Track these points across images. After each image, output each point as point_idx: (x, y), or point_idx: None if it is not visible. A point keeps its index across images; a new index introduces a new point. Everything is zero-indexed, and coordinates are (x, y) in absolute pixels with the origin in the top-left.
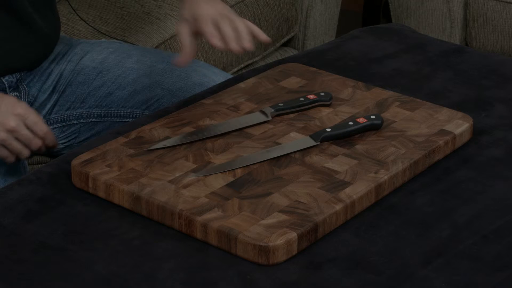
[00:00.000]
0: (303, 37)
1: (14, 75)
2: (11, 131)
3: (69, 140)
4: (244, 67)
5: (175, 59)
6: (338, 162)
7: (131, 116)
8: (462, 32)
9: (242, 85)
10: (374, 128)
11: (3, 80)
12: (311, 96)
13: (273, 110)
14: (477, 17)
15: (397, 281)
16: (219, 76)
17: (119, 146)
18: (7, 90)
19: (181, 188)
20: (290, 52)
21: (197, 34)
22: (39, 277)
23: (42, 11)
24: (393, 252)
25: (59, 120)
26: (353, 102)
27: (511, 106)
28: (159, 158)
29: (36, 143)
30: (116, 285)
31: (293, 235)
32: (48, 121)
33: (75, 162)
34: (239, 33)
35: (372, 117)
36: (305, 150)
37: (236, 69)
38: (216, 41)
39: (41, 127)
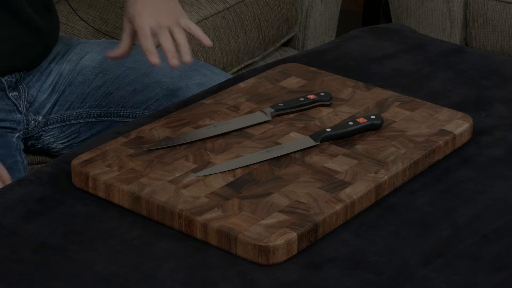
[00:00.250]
0: (303, 37)
1: (13, 75)
2: None
3: (69, 140)
4: (244, 67)
5: (108, 52)
6: (338, 162)
7: (131, 116)
8: (462, 32)
9: (242, 85)
10: (374, 128)
11: (3, 80)
12: (311, 96)
13: (273, 110)
14: (477, 17)
15: (397, 281)
16: (219, 76)
17: (119, 146)
18: (7, 90)
19: (181, 188)
20: (290, 52)
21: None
22: (39, 277)
23: (41, 10)
24: (393, 252)
25: (59, 120)
26: (353, 102)
27: (511, 106)
28: (159, 158)
29: None
30: (116, 285)
31: (293, 235)
32: (47, 121)
33: (75, 162)
34: (178, 46)
35: (372, 117)
36: (305, 150)
37: (236, 69)
38: (154, 60)
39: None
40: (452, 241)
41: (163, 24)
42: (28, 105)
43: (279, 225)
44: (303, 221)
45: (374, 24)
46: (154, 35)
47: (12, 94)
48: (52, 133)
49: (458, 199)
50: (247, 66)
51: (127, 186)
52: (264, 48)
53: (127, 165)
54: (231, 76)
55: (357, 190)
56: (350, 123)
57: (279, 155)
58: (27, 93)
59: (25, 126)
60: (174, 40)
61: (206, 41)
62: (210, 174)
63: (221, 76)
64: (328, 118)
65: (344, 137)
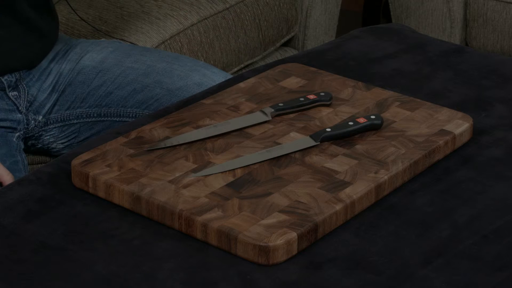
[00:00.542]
0: (303, 37)
1: (13, 75)
2: None
3: (69, 140)
4: (244, 67)
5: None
6: (338, 162)
7: (131, 115)
8: (462, 32)
9: (242, 85)
10: (374, 128)
11: (2, 79)
12: (311, 96)
13: (273, 110)
14: (477, 17)
15: (397, 281)
16: (219, 76)
17: (119, 146)
18: (7, 89)
19: (181, 188)
20: (290, 52)
21: None
22: (39, 277)
23: (41, 10)
24: (393, 252)
25: (59, 120)
26: (353, 102)
27: (511, 106)
28: (159, 158)
29: None
30: (116, 285)
31: (293, 235)
32: (47, 121)
33: (75, 162)
34: None
35: (372, 117)
36: (305, 150)
37: (236, 69)
38: None
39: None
40: (452, 241)
41: None
42: (28, 104)
43: (279, 225)
44: (303, 221)
45: (374, 24)
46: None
47: (12, 94)
48: (52, 132)
49: (458, 199)
50: (247, 66)
51: (127, 186)
52: (264, 48)
53: (127, 165)
54: (231, 76)
55: (357, 190)
56: (350, 123)
57: (279, 155)
58: (27, 92)
59: (25, 126)
60: None
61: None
62: (210, 174)
63: (221, 76)
64: (328, 118)
65: (344, 137)
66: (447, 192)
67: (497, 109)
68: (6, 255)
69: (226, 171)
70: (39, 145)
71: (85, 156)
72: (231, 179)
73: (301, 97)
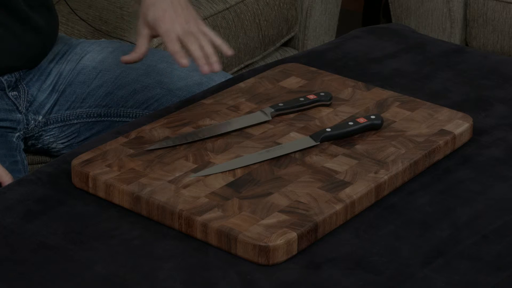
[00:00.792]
0: (303, 37)
1: (13, 74)
2: None
3: (69, 140)
4: (244, 67)
5: (124, 56)
6: (338, 162)
7: (131, 116)
8: (462, 32)
9: (242, 85)
10: (374, 128)
11: (2, 79)
12: (311, 96)
13: (273, 110)
14: (477, 17)
15: (397, 281)
16: (219, 76)
17: (119, 146)
18: (6, 89)
19: (181, 188)
20: (290, 52)
21: (154, 37)
22: (39, 277)
23: (40, 9)
24: (393, 252)
25: (59, 120)
26: (353, 102)
27: (511, 106)
28: (159, 158)
29: None
30: (116, 285)
31: (293, 235)
32: (47, 121)
33: (75, 162)
34: (206, 53)
35: (372, 117)
36: (305, 150)
37: (236, 69)
38: (183, 61)
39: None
40: (452, 241)
41: (188, 30)
42: (28, 104)
43: (279, 225)
44: (303, 221)
45: (374, 24)
46: (180, 40)
47: (12, 94)
48: (52, 133)
49: (458, 199)
50: (247, 66)
51: (127, 186)
52: (264, 48)
53: (127, 165)
54: (231, 76)
55: (357, 190)
56: (350, 123)
57: (279, 155)
58: (27, 92)
59: (25, 126)
60: (201, 48)
61: (226, 49)
62: (210, 174)
63: (221, 76)
64: (328, 118)
65: (344, 137)
66: (447, 192)
67: (497, 109)
68: (6, 255)
69: (226, 171)
70: (39, 145)
71: (85, 156)
72: (231, 179)
73: (301, 97)
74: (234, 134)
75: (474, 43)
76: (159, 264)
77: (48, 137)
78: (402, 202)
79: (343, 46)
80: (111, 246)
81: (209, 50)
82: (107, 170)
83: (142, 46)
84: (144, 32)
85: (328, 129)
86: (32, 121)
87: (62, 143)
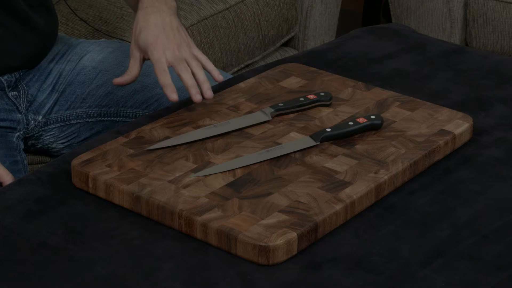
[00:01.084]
0: (303, 37)
1: (13, 74)
2: None
3: (69, 140)
4: (244, 67)
5: (116, 78)
6: (338, 162)
7: (131, 115)
8: (462, 32)
9: (242, 85)
10: (374, 128)
11: (2, 79)
12: (311, 96)
13: (273, 110)
14: (477, 17)
15: (397, 281)
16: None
17: (119, 146)
18: (6, 89)
19: (181, 188)
20: (290, 52)
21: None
22: (39, 277)
23: (39, 8)
24: (393, 252)
25: (59, 120)
26: (353, 102)
27: (511, 106)
28: (159, 158)
29: None
30: (116, 285)
31: (293, 235)
32: (47, 121)
33: (75, 162)
34: (199, 80)
35: (372, 117)
36: (305, 150)
37: (236, 69)
38: (174, 96)
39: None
40: (452, 241)
41: (180, 57)
42: (28, 104)
43: (279, 225)
44: (303, 221)
45: (374, 24)
46: (170, 66)
47: (12, 94)
48: (52, 133)
49: (458, 199)
50: (247, 66)
51: (127, 186)
52: (264, 48)
53: (127, 165)
54: (231, 76)
55: (357, 190)
56: (350, 123)
57: (279, 155)
58: (27, 92)
59: (25, 126)
60: (193, 74)
61: (217, 75)
62: (210, 174)
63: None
64: (328, 118)
65: (344, 137)
66: (447, 192)
67: (497, 109)
68: (6, 255)
69: (226, 171)
70: (39, 145)
71: (85, 156)
72: (231, 179)
73: (301, 97)
74: (234, 134)
75: (474, 43)
76: (159, 264)
77: (48, 137)
78: (402, 202)
79: (343, 46)
80: (111, 246)
81: (202, 77)
82: (107, 170)
83: (134, 68)
84: (136, 55)
85: (328, 129)
86: (32, 121)
87: (62, 143)
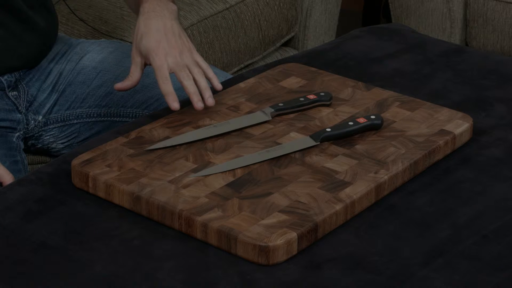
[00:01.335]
0: (303, 37)
1: (13, 74)
2: None
3: (69, 140)
4: (244, 67)
5: (117, 84)
6: (338, 162)
7: (130, 115)
8: (462, 32)
9: (242, 85)
10: (374, 128)
11: (2, 79)
12: (311, 96)
13: (273, 110)
14: (477, 17)
15: (397, 281)
16: (219, 76)
17: (119, 146)
18: (6, 89)
19: (181, 188)
20: (290, 52)
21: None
22: (39, 277)
23: (39, 9)
24: (393, 252)
25: (59, 120)
26: (353, 102)
27: (511, 106)
28: (159, 158)
29: None
30: (116, 285)
31: (293, 235)
32: (47, 121)
33: (75, 162)
34: (200, 87)
35: (372, 117)
36: (305, 150)
37: (236, 69)
38: (175, 104)
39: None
40: (452, 241)
41: (182, 64)
42: (28, 104)
43: (279, 225)
44: (303, 221)
45: (374, 24)
46: (172, 72)
47: (12, 94)
48: (52, 133)
49: (458, 199)
50: (247, 66)
51: (127, 186)
52: (264, 48)
53: (127, 165)
54: (231, 76)
55: (357, 190)
56: (350, 123)
57: (279, 155)
58: (27, 92)
59: (25, 126)
60: (194, 81)
61: (217, 84)
62: (210, 174)
63: (221, 76)
64: (328, 118)
65: (344, 137)
66: (447, 192)
67: (497, 109)
68: (6, 255)
69: (226, 171)
70: (39, 145)
71: (85, 156)
72: (231, 179)
73: (301, 97)
74: (234, 134)
75: (474, 43)
76: (159, 264)
77: (48, 137)
78: (402, 202)
79: (343, 46)
80: (111, 246)
81: (203, 84)
82: (107, 170)
83: (135, 74)
84: (138, 60)
85: (328, 129)
86: (32, 121)
87: (62, 143)
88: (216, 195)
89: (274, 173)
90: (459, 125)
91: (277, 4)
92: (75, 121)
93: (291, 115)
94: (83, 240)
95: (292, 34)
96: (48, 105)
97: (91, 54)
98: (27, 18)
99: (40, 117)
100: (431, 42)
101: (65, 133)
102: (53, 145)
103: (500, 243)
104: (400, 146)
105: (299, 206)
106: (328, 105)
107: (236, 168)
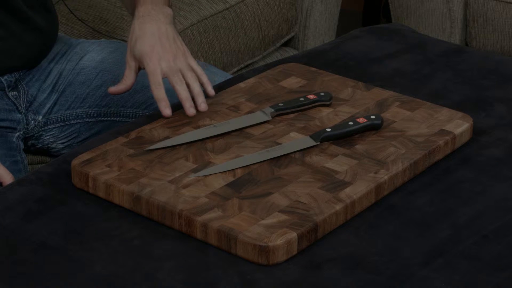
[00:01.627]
0: (303, 37)
1: (13, 74)
2: None
3: (69, 140)
4: (244, 67)
5: (111, 87)
6: (338, 162)
7: (130, 115)
8: (462, 32)
9: (242, 85)
10: (374, 128)
11: (2, 79)
12: (311, 96)
13: (273, 110)
14: (477, 17)
15: (397, 281)
16: (219, 76)
17: (119, 146)
18: (6, 89)
19: (181, 188)
20: (290, 52)
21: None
22: (39, 277)
23: (39, 9)
24: (393, 252)
25: (59, 120)
26: (353, 102)
27: (511, 106)
28: (159, 158)
29: None
30: (116, 285)
31: (293, 235)
32: (47, 121)
33: (75, 162)
34: (193, 92)
35: (372, 117)
36: (305, 150)
37: (236, 69)
38: (167, 111)
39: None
40: (452, 241)
41: (175, 68)
42: (28, 104)
43: (279, 225)
44: (303, 221)
45: (374, 24)
46: (165, 77)
47: (12, 94)
48: (52, 133)
49: (458, 199)
50: (247, 66)
51: (127, 186)
52: (264, 48)
53: (127, 165)
54: (231, 76)
55: (357, 190)
56: (350, 123)
57: (279, 155)
58: (27, 92)
59: (25, 126)
60: (188, 86)
61: (210, 90)
62: (210, 174)
63: (221, 76)
64: (328, 118)
65: (344, 137)
66: (447, 192)
67: (497, 109)
68: (6, 255)
69: (226, 171)
70: (39, 145)
71: (85, 156)
72: (231, 179)
73: (301, 97)
74: (234, 134)
75: (474, 43)
76: (159, 264)
77: (48, 137)
78: (402, 202)
79: (343, 46)
80: (111, 246)
81: (196, 89)
82: (107, 170)
83: (129, 77)
84: (132, 64)
85: (328, 129)
86: (32, 121)
87: (62, 143)
88: (216, 195)
89: (274, 173)
90: (459, 125)
91: (277, 4)
92: (75, 121)
93: (291, 115)
94: (83, 240)
95: (292, 34)
96: (48, 105)
97: (91, 54)
98: (27, 18)
99: (40, 117)
100: (431, 42)
101: (65, 133)
102: (53, 145)
103: (500, 243)
104: (400, 146)
105: (299, 206)
106: (328, 105)
107: (236, 168)
